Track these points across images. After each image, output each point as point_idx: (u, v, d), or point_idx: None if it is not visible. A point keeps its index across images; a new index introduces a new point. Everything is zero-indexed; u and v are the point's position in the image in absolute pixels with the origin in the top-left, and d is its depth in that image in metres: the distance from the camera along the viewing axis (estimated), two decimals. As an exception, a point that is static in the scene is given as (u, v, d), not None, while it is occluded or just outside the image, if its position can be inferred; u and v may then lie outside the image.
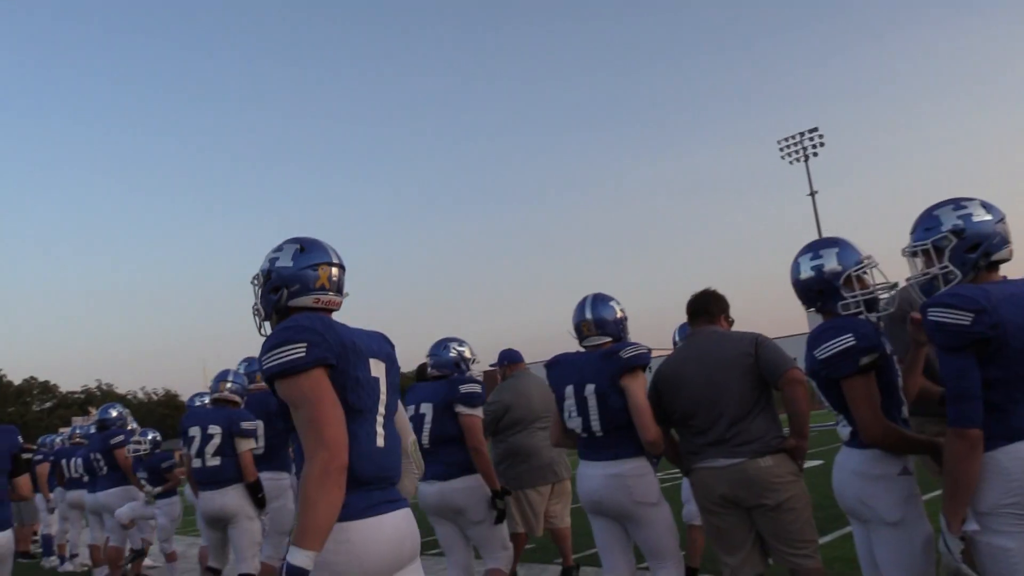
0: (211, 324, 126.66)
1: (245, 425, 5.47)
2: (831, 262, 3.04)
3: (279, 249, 2.54)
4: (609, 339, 3.97)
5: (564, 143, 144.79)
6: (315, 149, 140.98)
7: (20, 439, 5.19)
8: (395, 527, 2.35)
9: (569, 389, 3.94)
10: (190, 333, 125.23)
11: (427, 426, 4.48)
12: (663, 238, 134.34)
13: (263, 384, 5.77)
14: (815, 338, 2.94)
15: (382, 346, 2.54)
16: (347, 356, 2.29)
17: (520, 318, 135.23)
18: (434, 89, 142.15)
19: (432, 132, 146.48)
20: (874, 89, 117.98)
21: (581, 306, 4.03)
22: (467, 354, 4.74)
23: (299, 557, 2.03)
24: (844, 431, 3.03)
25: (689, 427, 3.82)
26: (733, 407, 3.66)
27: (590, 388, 3.84)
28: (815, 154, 44.69)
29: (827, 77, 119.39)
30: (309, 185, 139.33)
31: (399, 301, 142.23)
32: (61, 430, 11.03)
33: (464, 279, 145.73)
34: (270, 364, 2.24)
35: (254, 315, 2.55)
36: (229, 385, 5.65)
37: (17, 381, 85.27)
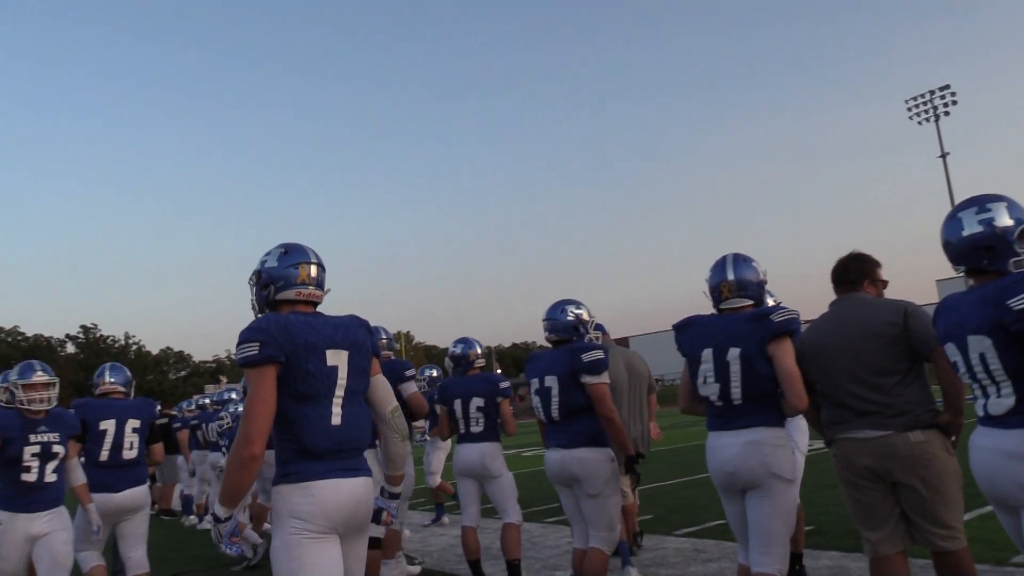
0: (332, 294, 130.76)
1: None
2: (1002, 216, 2.77)
3: (268, 253, 2.97)
4: (751, 302, 3.72)
5: (677, 108, 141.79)
6: (451, 123, 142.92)
7: (158, 408, 5.67)
8: (351, 490, 2.74)
9: (707, 353, 3.69)
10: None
11: (555, 399, 4.39)
12: (781, 204, 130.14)
13: (389, 352, 6.00)
14: (1006, 288, 2.62)
15: (348, 334, 2.86)
16: (298, 353, 2.69)
17: (620, 290, 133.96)
18: (549, 58, 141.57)
19: (546, 101, 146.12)
20: (1011, 43, 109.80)
21: (721, 266, 3.77)
22: (585, 317, 4.57)
23: (219, 510, 2.69)
24: (999, 404, 2.69)
25: (832, 396, 3.64)
26: (878, 377, 3.47)
27: (734, 352, 3.59)
28: (946, 113, 42.07)
29: (960, 30, 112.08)
30: (442, 158, 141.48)
31: (518, 270, 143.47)
32: (194, 397, 11.72)
33: (575, 249, 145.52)
34: (237, 357, 2.72)
35: (252, 309, 2.99)
36: (436, 373, 5.91)
37: (155, 351, 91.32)
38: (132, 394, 5.55)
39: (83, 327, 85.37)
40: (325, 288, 3.01)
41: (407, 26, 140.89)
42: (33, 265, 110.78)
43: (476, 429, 5.52)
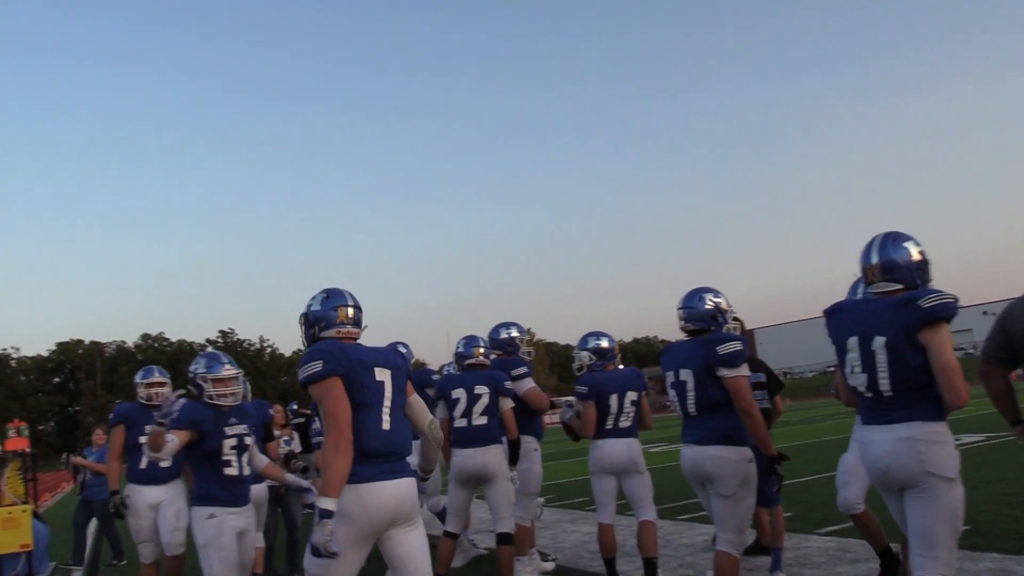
0: (453, 293, 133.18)
1: (508, 384, 5.65)
2: None
3: (313, 297, 3.50)
4: (901, 286, 3.40)
5: (800, 90, 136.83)
6: (570, 117, 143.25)
7: (294, 407, 6.10)
8: (395, 491, 3.17)
9: (852, 341, 3.42)
10: (434, 302, 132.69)
11: (690, 393, 4.24)
12: (917, 184, 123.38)
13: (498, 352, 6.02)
14: None
15: (389, 358, 3.39)
16: (354, 368, 3.19)
17: (742, 282, 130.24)
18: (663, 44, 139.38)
19: (666, 90, 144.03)
20: None
21: (867, 248, 3.50)
22: (724, 305, 4.36)
23: (326, 503, 2.92)
24: None
25: None
26: None
27: (879, 341, 3.31)
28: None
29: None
30: (559, 153, 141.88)
31: (635, 265, 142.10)
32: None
33: (694, 241, 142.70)
34: (301, 376, 3.19)
35: (303, 344, 3.52)
36: (482, 350, 5.80)
37: (288, 353, 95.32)
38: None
39: (221, 332, 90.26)
40: (363, 326, 3.52)
41: (519, 21, 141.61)
42: (176, 275, 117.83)
43: (625, 424, 5.43)
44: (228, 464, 4.51)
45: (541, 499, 5.84)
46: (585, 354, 5.62)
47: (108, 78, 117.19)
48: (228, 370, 4.63)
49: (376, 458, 3.17)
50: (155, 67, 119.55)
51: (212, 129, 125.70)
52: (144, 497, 5.42)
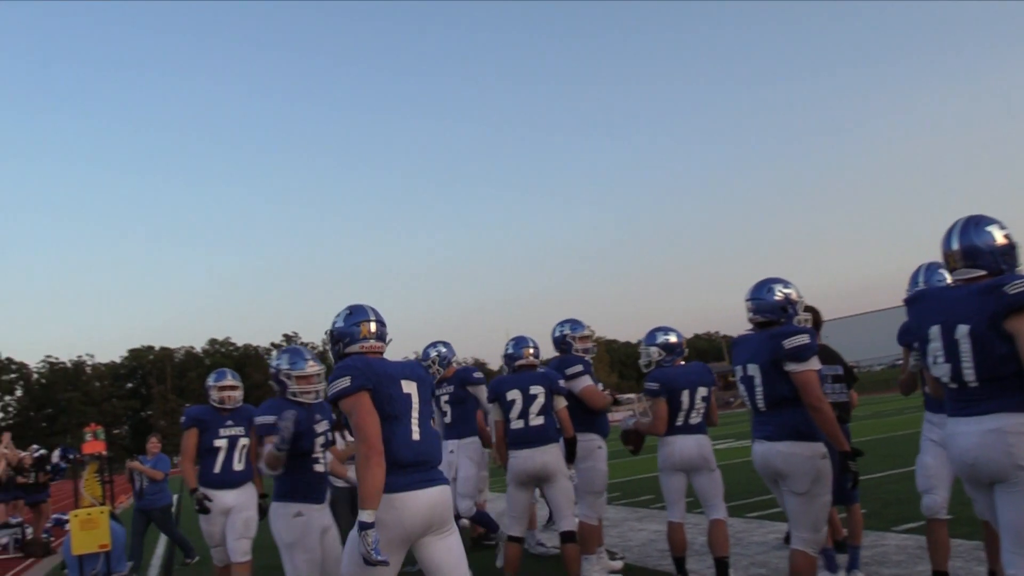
0: (512, 292, 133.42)
1: (562, 383, 5.61)
2: None
3: (337, 314, 3.62)
4: (984, 272, 3.24)
5: (862, 77, 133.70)
6: (624, 115, 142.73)
7: (334, 415, 6.08)
8: (429, 499, 3.23)
9: (934, 330, 3.27)
10: (493, 301, 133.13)
11: (758, 388, 4.12)
12: (998, 167, 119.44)
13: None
14: None
15: (414, 371, 3.49)
16: (381, 381, 3.28)
17: (806, 274, 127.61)
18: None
19: (725, 83, 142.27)
20: None
21: (948, 232, 3.35)
22: (794, 296, 4.20)
23: (364, 515, 3.01)
24: None
25: None
26: None
27: (962, 330, 3.17)
28: None
29: None
30: (621, 151, 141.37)
31: (694, 260, 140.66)
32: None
33: (753, 235, 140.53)
34: (330, 392, 3.27)
35: (331, 360, 3.63)
36: (531, 350, 5.76)
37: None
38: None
39: (286, 336, 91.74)
40: (387, 339, 3.64)
41: (569, 20, 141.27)
42: (240, 280, 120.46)
43: (695, 420, 5.33)
44: (317, 461, 4.49)
45: (573, 471, 5.77)
46: (654, 349, 5.52)
47: (173, 91, 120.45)
48: (312, 366, 4.60)
49: (409, 467, 3.25)
50: (221, 80, 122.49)
51: (276, 139, 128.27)
52: (217, 502, 5.42)
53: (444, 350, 7.05)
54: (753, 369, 4.11)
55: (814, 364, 3.96)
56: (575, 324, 6.10)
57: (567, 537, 5.42)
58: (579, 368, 5.84)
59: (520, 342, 5.82)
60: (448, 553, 3.30)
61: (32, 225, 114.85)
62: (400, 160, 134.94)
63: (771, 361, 4.00)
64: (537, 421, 5.46)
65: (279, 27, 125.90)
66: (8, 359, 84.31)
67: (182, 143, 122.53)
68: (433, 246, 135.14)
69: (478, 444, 6.76)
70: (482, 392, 6.66)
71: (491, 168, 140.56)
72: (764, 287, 4.24)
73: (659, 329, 5.61)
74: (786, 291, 4.21)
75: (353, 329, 3.55)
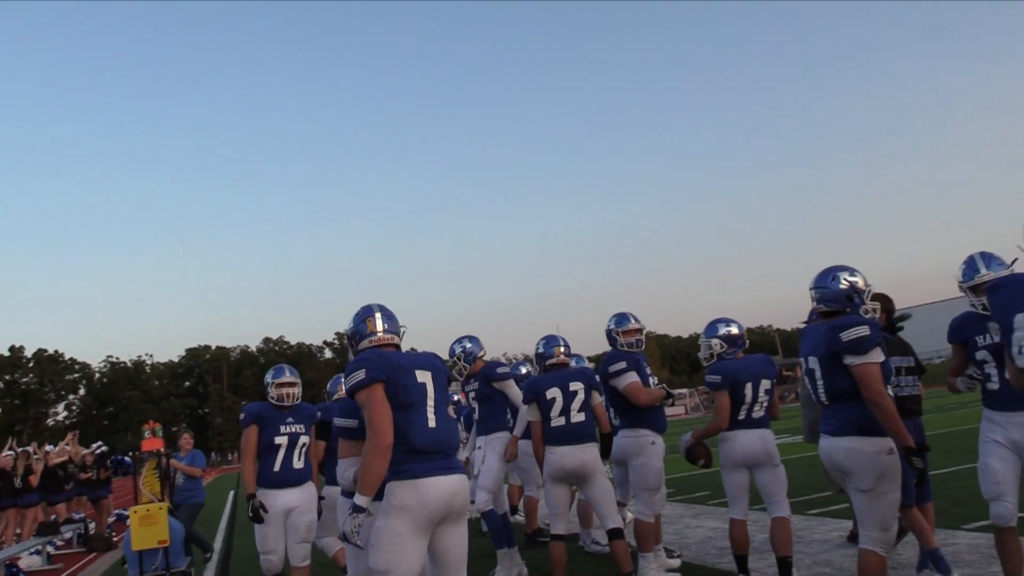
0: (562, 287, 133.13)
1: (598, 379, 5.60)
2: None
3: (352, 316, 3.77)
4: None
5: (943, 61, 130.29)
6: (673, 109, 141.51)
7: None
8: (448, 485, 3.31)
9: (1020, 318, 3.18)
10: (543, 296, 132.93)
11: (819, 382, 3.97)
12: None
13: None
14: None
15: (429, 361, 3.58)
16: (395, 372, 3.39)
17: (875, 264, 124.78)
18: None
19: (788, 71, 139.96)
20: None
21: None
22: (861, 284, 4.02)
23: (361, 499, 3.19)
24: None
25: None
26: None
27: None
28: None
29: None
30: (672, 144, 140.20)
31: (751, 252, 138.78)
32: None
33: (817, 225, 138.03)
34: (347, 386, 3.38)
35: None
36: (562, 349, 5.76)
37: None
38: None
39: (337, 334, 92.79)
40: (401, 331, 3.78)
41: (633, 18, 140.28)
42: (293, 281, 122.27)
43: (758, 414, 5.18)
44: None
45: (609, 468, 5.73)
46: (715, 341, 5.38)
47: (233, 104, 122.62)
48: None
49: (427, 455, 3.35)
50: (271, 91, 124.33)
51: (329, 144, 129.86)
52: (276, 502, 5.32)
53: (470, 345, 6.81)
54: (813, 362, 3.99)
55: (874, 356, 3.79)
56: (620, 318, 5.97)
57: (614, 534, 5.35)
58: (622, 365, 5.72)
59: (550, 341, 5.81)
60: (453, 543, 3.40)
61: (94, 231, 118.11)
62: (448, 160, 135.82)
63: (830, 354, 3.86)
64: (578, 418, 5.44)
65: (321, 33, 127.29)
66: (72, 359, 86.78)
67: (237, 151, 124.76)
68: (482, 243, 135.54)
69: (506, 439, 6.72)
70: (509, 387, 6.52)
71: (539, 165, 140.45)
72: (829, 275, 4.08)
73: (720, 320, 5.46)
74: (852, 279, 4.04)
75: (361, 327, 3.72)
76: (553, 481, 5.49)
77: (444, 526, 3.37)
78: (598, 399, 5.54)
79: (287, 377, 5.59)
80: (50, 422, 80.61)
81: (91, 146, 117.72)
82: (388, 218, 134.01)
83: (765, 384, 5.17)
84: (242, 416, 5.51)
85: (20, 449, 13.03)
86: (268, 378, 5.63)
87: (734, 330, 5.37)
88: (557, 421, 5.45)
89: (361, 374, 3.35)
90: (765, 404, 5.19)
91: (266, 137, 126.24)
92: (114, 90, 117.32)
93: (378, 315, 3.73)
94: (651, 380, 5.92)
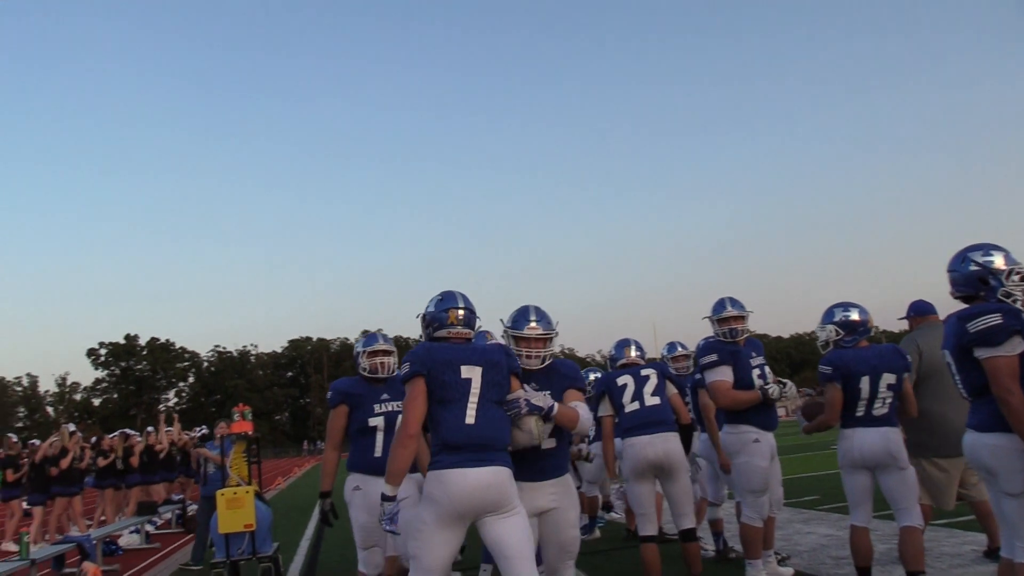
0: (658, 285, 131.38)
1: (672, 368, 5.44)
2: None
3: (431, 299, 3.75)
4: None
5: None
6: (759, 112, 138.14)
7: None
8: (477, 478, 3.27)
9: None
10: (641, 295, 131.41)
11: (956, 376, 3.57)
12: None
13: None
14: None
15: (484, 355, 3.52)
16: (437, 367, 3.41)
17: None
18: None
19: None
20: None
21: None
22: (998, 265, 3.55)
23: (386, 488, 3.30)
24: None
25: None
26: None
27: None
28: None
29: None
30: (766, 143, 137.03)
31: (854, 247, 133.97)
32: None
33: (912, 218, 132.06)
34: (399, 376, 3.60)
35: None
36: (634, 352, 5.55)
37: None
38: None
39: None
40: (477, 326, 3.77)
41: (708, 18, 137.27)
42: (393, 274, 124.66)
43: (880, 410, 4.64)
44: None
45: (693, 466, 5.48)
46: (831, 328, 4.85)
47: (323, 104, 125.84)
48: (533, 328, 4.04)
49: (458, 449, 3.33)
50: (370, 91, 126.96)
51: (430, 138, 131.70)
52: (377, 490, 4.33)
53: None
54: (949, 356, 3.57)
55: (1008, 348, 3.31)
56: (717, 305, 5.50)
57: (687, 535, 5.07)
58: (713, 357, 5.29)
59: (622, 343, 5.62)
60: (509, 534, 3.33)
61: (205, 226, 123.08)
62: (553, 160, 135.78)
63: (960, 347, 3.45)
64: (653, 401, 5.16)
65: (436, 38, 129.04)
66: (182, 348, 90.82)
67: (333, 150, 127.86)
68: (580, 240, 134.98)
69: None
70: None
71: (638, 163, 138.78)
72: (960, 257, 3.65)
73: (838, 305, 4.93)
74: (985, 259, 3.57)
75: (442, 315, 3.66)
76: (635, 476, 5.13)
77: (492, 519, 3.33)
78: (673, 390, 5.30)
79: (380, 344, 4.82)
80: (161, 407, 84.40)
81: (204, 144, 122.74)
82: (489, 216, 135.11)
83: (888, 378, 4.63)
84: (329, 395, 4.80)
85: (159, 430, 13.52)
86: (358, 347, 4.89)
87: (853, 316, 4.83)
88: (631, 407, 5.19)
89: (407, 367, 3.45)
90: (889, 400, 4.64)
91: (373, 134, 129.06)
92: (226, 86, 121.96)
93: (461, 308, 3.69)
94: (765, 371, 5.41)
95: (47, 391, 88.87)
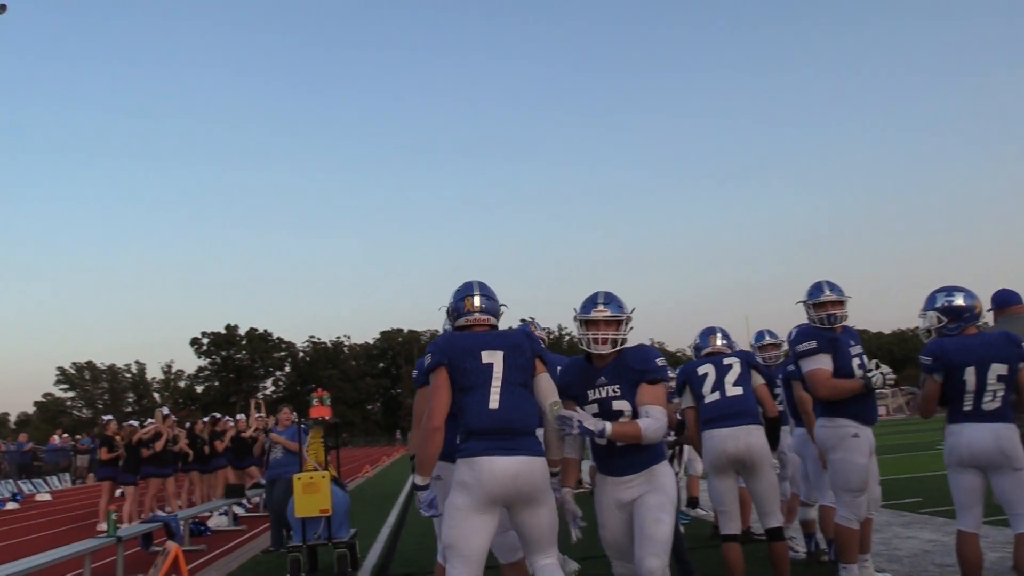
0: (751, 277, 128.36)
1: (758, 358, 5.16)
2: None
3: (454, 292, 3.81)
4: None
5: None
6: (860, 103, 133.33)
7: None
8: (506, 466, 3.30)
9: None
10: (732, 287, 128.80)
11: None
12: None
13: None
14: None
15: (506, 339, 3.58)
16: (457, 356, 3.48)
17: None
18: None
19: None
20: None
21: None
22: None
23: (416, 478, 3.45)
24: None
25: None
26: None
27: None
28: None
29: None
30: (861, 136, 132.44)
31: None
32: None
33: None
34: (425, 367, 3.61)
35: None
36: (719, 341, 5.32)
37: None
38: None
39: (523, 320, 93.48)
40: (500, 311, 3.80)
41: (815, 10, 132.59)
42: (482, 267, 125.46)
43: (991, 405, 4.24)
44: None
45: (777, 461, 5.27)
46: (932, 315, 4.45)
47: (437, 103, 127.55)
48: (601, 311, 3.87)
49: (484, 435, 3.38)
50: (481, 89, 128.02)
51: (521, 137, 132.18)
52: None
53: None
54: None
55: None
56: (814, 288, 5.12)
57: (774, 534, 4.77)
58: (811, 345, 4.90)
59: (707, 331, 5.39)
60: (533, 525, 3.40)
61: (299, 220, 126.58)
62: (646, 153, 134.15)
63: None
64: (735, 391, 4.83)
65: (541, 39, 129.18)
66: (279, 338, 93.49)
67: (427, 144, 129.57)
68: (670, 234, 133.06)
69: None
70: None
71: (734, 155, 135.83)
72: None
73: (941, 290, 4.52)
74: None
75: (459, 304, 3.74)
76: (715, 471, 4.84)
77: (520, 507, 3.39)
78: (760, 380, 4.99)
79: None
80: (260, 396, 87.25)
81: (301, 141, 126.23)
82: (579, 210, 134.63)
83: (998, 369, 4.22)
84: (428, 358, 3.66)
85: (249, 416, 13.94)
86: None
87: (958, 301, 4.42)
88: (711, 397, 4.90)
89: (429, 358, 3.54)
90: (1001, 394, 4.22)
91: (469, 129, 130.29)
92: (324, 82, 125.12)
93: (477, 295, 3.75)
94: (864, 361, 5.01)
95: (154, 378, 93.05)
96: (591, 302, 3.97)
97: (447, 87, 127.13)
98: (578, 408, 3.65)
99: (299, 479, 6.82)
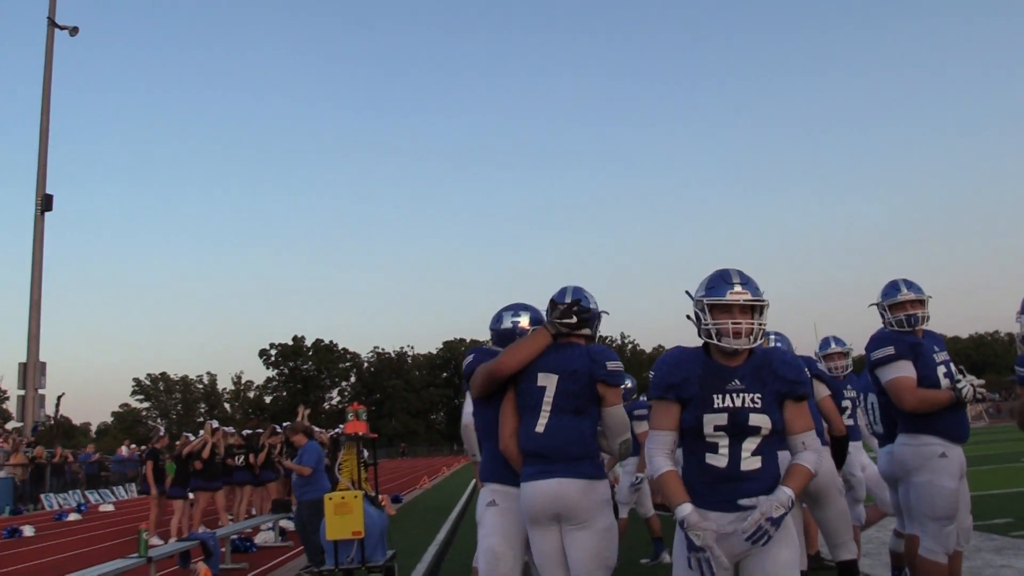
0: (821, 283, 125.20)
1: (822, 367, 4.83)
2: None
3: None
4: None
5: None
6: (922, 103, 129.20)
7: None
8: (546, 490, 3.30)
9: None
10: (801, 294, 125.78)
11: None
12: None
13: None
14: None
15: (563, 363, 3.44)
16: (520, 374, 3.49)
17: None
18: None
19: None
20: None
21: None
22: None
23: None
24: None
25: None
26: None
27: None
28: None
29: None
30: (931, 137, 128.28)
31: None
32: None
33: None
34: None
35: None
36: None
37: (648, 349, 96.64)
38: None
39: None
40: (593, 320, 3.61)
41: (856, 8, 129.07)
42: (543, 278, 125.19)
43: None
44: (713, 449, 2.98)
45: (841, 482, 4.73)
46: None
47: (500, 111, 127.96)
48: (739, 293, 3.02)
49: (531, 458, 3.37)
50: (545, 98, 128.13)
51: (575, 147, 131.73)
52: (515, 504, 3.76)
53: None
54: None
55: None
56: (889, 288, 4.55)
57: (845, 569, 4.35)
58: (889, 351, 4.31)
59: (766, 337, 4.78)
60: (574, 546, 3.30)
61: (363, 238, 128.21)
62: (707, 158, 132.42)
63: None
64: None
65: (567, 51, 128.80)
66: (344, 349, 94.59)
67: (486, 157, 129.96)
68: (739, 238, 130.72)
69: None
70: (638, 426, 6.31)
71: (800, 159, 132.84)
72: None
73: None
74: None
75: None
76: None
77: (566, 527, 3.32)
78: (824, 392, 4.54)
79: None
80: (326, 406, 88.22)
81: (366, 159, 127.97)
82: (641, 214, 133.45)
83: None
84: (468, 360, 3.81)
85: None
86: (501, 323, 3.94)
87: None
88: None
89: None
90: None
91: (524, 141, 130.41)
92: (384, 102, 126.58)
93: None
94: (951, 369, 4.39)
95: (224, 388, 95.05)
96: (723, 280, 3.05)
97: (499, 103, 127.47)
98: (760, 498, 2.82)
99: (330, 499, 6.44)
